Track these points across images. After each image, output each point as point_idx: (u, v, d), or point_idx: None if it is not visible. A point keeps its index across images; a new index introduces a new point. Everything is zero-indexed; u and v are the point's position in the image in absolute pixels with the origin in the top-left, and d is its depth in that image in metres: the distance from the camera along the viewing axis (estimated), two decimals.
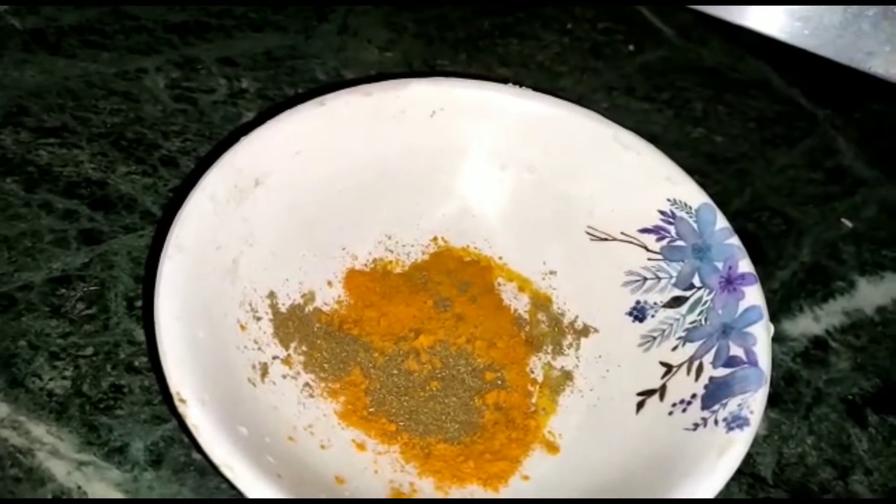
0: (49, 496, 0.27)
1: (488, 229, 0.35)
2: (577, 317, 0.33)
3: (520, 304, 0.34)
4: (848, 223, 0.41)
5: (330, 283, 0.32)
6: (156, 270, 0.26)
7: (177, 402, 0.23)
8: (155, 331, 0.25)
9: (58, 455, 0.28)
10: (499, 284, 0.34)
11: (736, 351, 0.28)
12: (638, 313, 0.32)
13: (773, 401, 0.34)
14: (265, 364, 0.28)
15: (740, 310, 0.29)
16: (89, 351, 0.30)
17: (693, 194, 0.32)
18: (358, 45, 0.44)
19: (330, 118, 0.32)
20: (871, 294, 0.38)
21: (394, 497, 0.27)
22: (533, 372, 0.32)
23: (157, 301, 0.25)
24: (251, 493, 0.22)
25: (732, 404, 0.27)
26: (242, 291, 0.29)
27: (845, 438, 0.34)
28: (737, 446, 0.26)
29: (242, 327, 0.28)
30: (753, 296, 0.29)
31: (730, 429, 0.26)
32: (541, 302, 0.34)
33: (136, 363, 0.30)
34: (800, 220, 0.41)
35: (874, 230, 0.41)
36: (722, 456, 0.25)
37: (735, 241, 0.31)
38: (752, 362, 0.28)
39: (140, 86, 0.39)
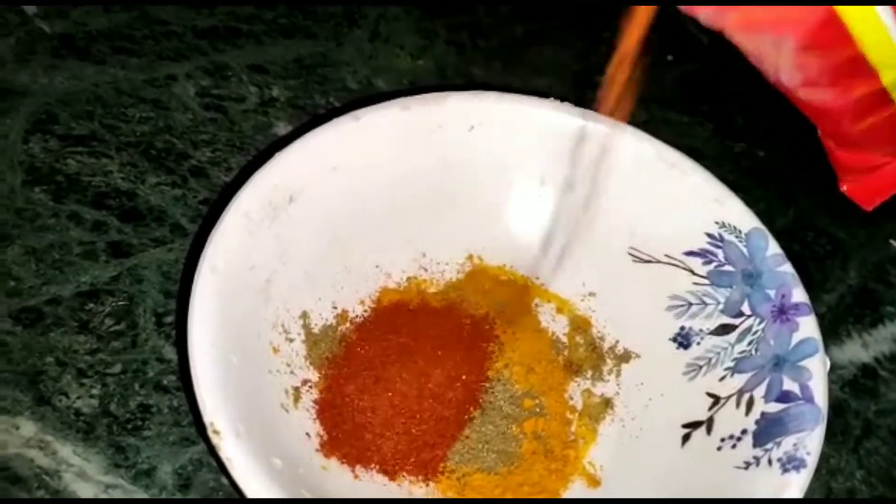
0: None
1: (525, 248, 0.34)
2: (617, 341, 0.32)
3: (558, 326, 0.33)
4: None
5: (362, 303, 0.31)
6: (185, 286, 0.25)
7: (210, 434, 0.23)
8: (188, 354, 0.24)
9: (84, 477, 0.27)
10: (536, 306, 0.33)
11: (790, 385, 0.27)
12: (683, 339, 0.31)
13: None
14: (297, 389, 0.27)
15: (794, 342, 0.28)
16: (117, 368, 0.29)
17: (743, 217, 0.31)
18: (389, 53, 0.43)
19: (366, 133, 0.31)
20: None
21: None
22: (572, 399, 0.31)
23: (191, 326, 0.24)
24: None
25: (787, 443, 0.25)
26: (275, 312, 0.28)
27: None
28: (793, 489, 0.24)
29: (275, 350, 0.27)
30: (808, 327, 0.28)
31: (785, 470, 0.25)
32: (580, 325, 0.33)
33: (165, 382, 0.29)
34: (846, 241, 0.39)
35: None
36: (777, 499, 0.24)
37: (788, 268, 0.30)
38: (808, 398, 0.27)
39: (170, 93, 0.38)
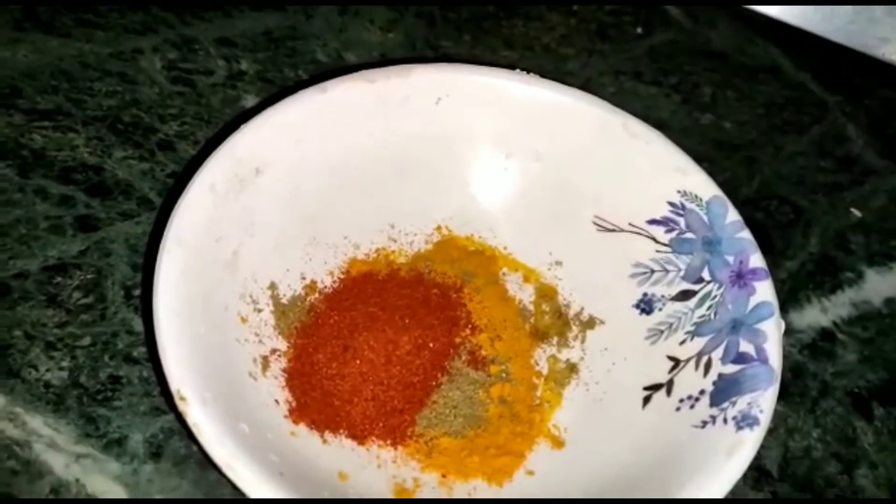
0: (47, 489, 0.26)
1: (493, 219, 0.34)
2: (582, 308, 0.33)
3: (525, 294, 0.33)
4: (857, 213, 0.41)
5: (331, 273, 0.32)
6: (154, 259, 0.25)
7: (177, 401, 0.23)
8: (154, 325, 0.24)
9: (55, 447, 0.27)
10: (503, 275, 0.33)
11: (746, 347, 0.28)
12: (645, 306, 0.32)
13: (780, 394, 0.33)
14: (266, 357, 0.28)
15: (751, 305, 0.29)
16: (87, 341, 0.30)
17: (704, 186, 0.31)
18: (359, 26, 0.43)
19: (332, 105, 0.31)
20: (879, 285, 0.38)
21: (397, 493, 0.26)
22: (538, 364, 0.31)
23: (156, 298, 0.24)
24: (254, 493, 0.22)
25: (742, 402, 0.26)
26: (243, 283, 0.28)
27: (851, 432, 0.33)
28: (746, 446, 0.25)
29: (243, 319, 0.28)
30: (764, 291, 0.29)
31: (739, 428, 0.26)
32: (546, 293, 0.33)
33: (135, 353, 0.30)
34: (809, 209, 0.40)
35: (883, 220, 0.41)
36: (731, 456, 0.25)
37: (746, 234, 0.30)
38: (763, 360, 0.27)
39: (136, 67, 0.38)
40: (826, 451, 0.33)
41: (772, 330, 0.28)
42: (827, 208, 0.40)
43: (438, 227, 0.34)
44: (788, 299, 0.37)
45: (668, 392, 0.29)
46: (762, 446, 0.32)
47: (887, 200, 0.41)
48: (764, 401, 0.26)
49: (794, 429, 0.33)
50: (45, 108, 0.36)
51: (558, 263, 0.34)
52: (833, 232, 0.40)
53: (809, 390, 0.34)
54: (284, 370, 0.28)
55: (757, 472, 0.31)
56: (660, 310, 0.31)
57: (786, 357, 0.35)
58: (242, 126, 0.29)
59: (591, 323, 0.32)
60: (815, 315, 0.37)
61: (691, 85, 0.44)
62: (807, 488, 0.31)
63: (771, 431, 0.32)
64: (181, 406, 0.23)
